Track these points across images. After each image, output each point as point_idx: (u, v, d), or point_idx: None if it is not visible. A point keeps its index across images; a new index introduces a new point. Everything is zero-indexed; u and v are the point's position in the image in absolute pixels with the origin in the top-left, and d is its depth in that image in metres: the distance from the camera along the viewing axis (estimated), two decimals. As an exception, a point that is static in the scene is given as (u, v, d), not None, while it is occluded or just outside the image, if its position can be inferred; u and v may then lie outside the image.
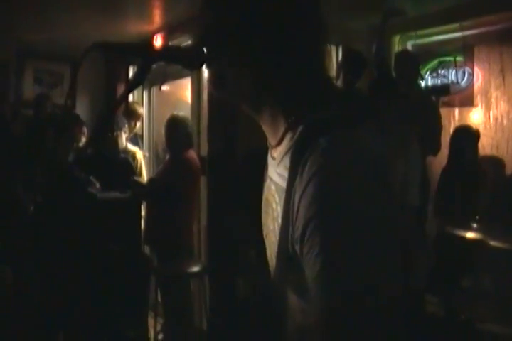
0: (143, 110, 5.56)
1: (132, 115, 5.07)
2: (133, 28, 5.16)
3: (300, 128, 0.92)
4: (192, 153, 4.00)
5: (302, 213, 0.82)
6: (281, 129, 0.97)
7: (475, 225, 3.20)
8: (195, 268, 3.62)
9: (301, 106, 0.95)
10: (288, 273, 0.89)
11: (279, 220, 0.90)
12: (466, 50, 5.07)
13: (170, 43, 5.02)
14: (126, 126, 4.31)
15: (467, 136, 3.94)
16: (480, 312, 2.91)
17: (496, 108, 4.76)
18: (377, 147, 0.89)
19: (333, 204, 0.80)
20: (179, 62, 1.03)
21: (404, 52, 4.87)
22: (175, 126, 3.97)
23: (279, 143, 0.99)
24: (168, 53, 1.06)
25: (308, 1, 0.98)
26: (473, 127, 4.27)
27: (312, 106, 0.94)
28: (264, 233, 1.04)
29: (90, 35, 5.07)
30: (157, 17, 4.92)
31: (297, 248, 0.84)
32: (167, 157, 4.24)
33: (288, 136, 0.95)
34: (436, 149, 4.11)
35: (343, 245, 0.79)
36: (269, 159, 1.04)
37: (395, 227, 0.86)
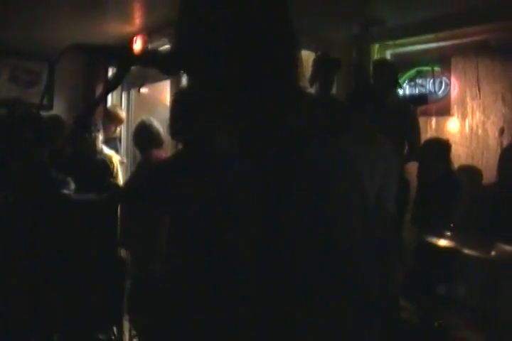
0: (124, 114, 5.50)
1: (114, 119, 5.01)
2: (113, 29, 5.15)
3: (277, 135, 0.92)
4: (158, 152, 4.01)
5: None
6: (251, 136, 0.97)
7: (450, 234, 3.23)
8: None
9: (273, 113, 0.95)
10: None
11: None
12: (444, 60, 5.18)
13: (149, 45, 5.01)
14: (101, 128, 4.25)
15: (436, 147, 3.99)
16: (453, 319, 2.94)
17: (472, 118, 4.85)
18: (355, 155, 0.92)
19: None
20: (156, 66, 1.03)
21: (381, 61, 4.93)
22: (140, 127, 4.07)
23: (249, 150, 0.99)
24: (146, 57, 1.06)
25: (279, 12, 0.98)
26: (444, 138, 4.36)
27: (285, 114, 0.95)
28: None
29: (70, 34, 5.04)
30: (137, 19, 4.92)
31: None
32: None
33: (260, 143, 0.95)
34: (414, 157, 4.17)
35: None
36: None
37: (372, 234, 0.90)
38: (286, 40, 0.96)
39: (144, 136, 4.02)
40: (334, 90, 4.38)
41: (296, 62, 0.98)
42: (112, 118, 4.95)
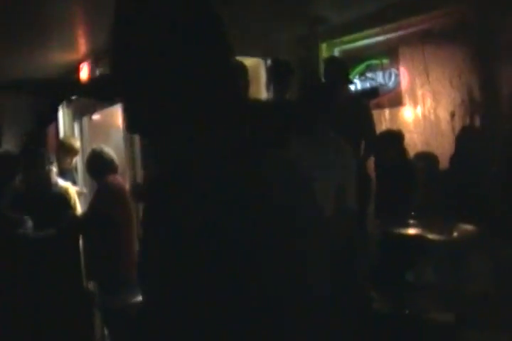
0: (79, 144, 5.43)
1: (69, 151, 4.88)
2: (58, 58, 5.09)
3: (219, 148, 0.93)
4: (114, 177, 3.99)
5: None
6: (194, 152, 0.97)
7: (412, 221, 3.29)
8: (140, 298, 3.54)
9: (212, 127, 0.94)
10: None
11: None
12: (391, 52, 5.25)
13: (97, 71, 4.97)
14: (55, 161, 4.19)
15: (389, 138, 4.06)
16: (424, 303, 2.99)
17: (423, 105, 4.92)
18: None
19: None
20: (92, 96, 1.03)
21: (331, 59, 4.99)
22: (92, 156, 4.07)
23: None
24: (80, 89, 1.05)
25: (210, 27, 0.97)
26: (396, 129, 4.44)
27: (225, 126, 0.95)
28: None
29: (14, 65, 4.95)
30: (82, 46, 4.87)
31: None
32: None
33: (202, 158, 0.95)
34: (372, 151, 4.23)
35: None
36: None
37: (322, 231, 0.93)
38: (219, 52, 0.96)
39: (97, 164, 4.01)
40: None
41: (232, 72, 0.99)
42: (66, 150, 4.85)
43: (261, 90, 4.99)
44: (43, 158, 4.01)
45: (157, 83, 0.93)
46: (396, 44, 5.21)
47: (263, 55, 5.12)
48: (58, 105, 1.11)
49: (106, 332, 3.87)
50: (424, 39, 4.99)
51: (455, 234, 3.16)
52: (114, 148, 4.69)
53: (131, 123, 1.00)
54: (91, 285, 4.14)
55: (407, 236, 3.24)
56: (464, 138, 4.13)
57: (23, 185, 3.88)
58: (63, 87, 0.93)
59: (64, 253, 3.42)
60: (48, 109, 0.95)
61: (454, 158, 4.04)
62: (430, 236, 3.18)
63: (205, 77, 0.93)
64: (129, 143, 4.32)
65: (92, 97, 1.04)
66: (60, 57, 5.10)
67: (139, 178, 4.14)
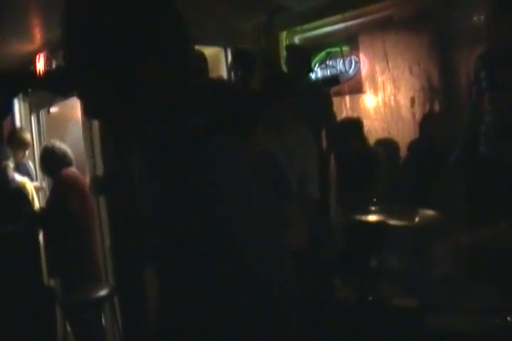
0: (32, 137, 5.29)
1: (20, 144, 4.79)
2: (13, 49, 4.95)
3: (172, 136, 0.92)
4: (67, 170, 3.94)
5: None
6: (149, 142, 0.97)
7: (374, 208, 3.31)
8: (104, 292, 3.51)
9: (167, 115, 0.94)
10: None
11: None
12: (351, 39, 5.27)
13: (54, 62, 4.85)
14: (10, 157, 4.11)
15: (347, 125, 4.08)
16: (387, 289, 3.01)
17: (384, 92, 4.96)
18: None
19: None
20: (48, 89, 1.00)
21: (293, 46, 4.99)
22: (43, 153, 4.04)
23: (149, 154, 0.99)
24: (35, 81, 1.01)
25: (165, 12, 0.96)
26: (355, 116, 4.46)
27: (180, 114, 0.94)
28: None
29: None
30: (38, 36, 4.75)
31: None
32: None
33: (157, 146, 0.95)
34: (333, 139, 4.24)
35: None
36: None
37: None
38: (174, 38, 0.95)
39: (49, 160, 3.96)
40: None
41: (188, 59, 0.98)
42: (17, 143, 4.74)
43: (221, 78, 4.94)
44: (0, 153, 3.92)
45: (111, 71, 0.91)
46: (356, 31, 5.22)
47: (223, 44, 5.07)
48: (12, 98, 1.06)
49: (68, 328, 3.80)
50: (384, 26, 5.02)
51: (417, 220, 3.19)
52: (72, 141, 4.60)
53: (88, 111, 1.00)
54: (52, 282, 4.05)
55: (369, 222, 3.26)
56: (425, 125, 4.17)
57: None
58: (18, 79, 0.88)
59: (23, 249, 3.34)
60: (1, 103, 0.90)
61: (414, 144, 4.08)
62: (392, 222, 3.20)
63: (161, 64, 0.92)
64: (88, 136, 4.24)
65: (47, 90, 1.00)
66: (15, 49, 4.97)
67: (99, 171, 4.07)
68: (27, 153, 5.01)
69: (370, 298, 2.93)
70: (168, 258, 0.91)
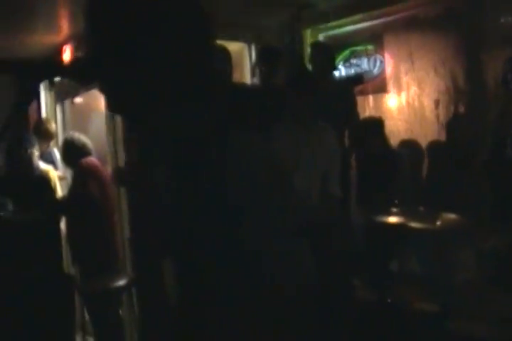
0: (56, 126, 5.34)
1: (45, 134, 4.85)
2: (41, 39, 5.01)
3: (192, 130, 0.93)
4: (87, 159, 3.98)
5: None
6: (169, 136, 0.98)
7: (395, 209, 3.27)
8: (122, 282, 3.55)
9: (187, 110, 0.95)
10: None
11: None
12: (376, 38, 5.22)
13: (79, 54, 4.90)
14: (36, 144, 4.16)
15: (369, 124, 4.04)
16: (407, 293, 2.98)
17: (408, 92, 4.91)
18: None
19: None
20: (71, 77, 1.00)
21: (318, 44, 4.96)
22: (63, 145, 4.10)
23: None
24: (61, 70, 1.02)
25: (188, 9, 0.96)
26: (377, 115, 4.42)
27: (202, 107, 0.95)
28: None
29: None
30: (65, 28, 4.81)
31: None
32: None
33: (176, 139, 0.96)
34: (356, 138, 4.21)
35: None
36: None
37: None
38: (199, 35, 0.95)
39: (69, 152, 4.03)
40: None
41: (209, 55, 0.98)
42: (42, 134, 4.80)
43: (244, 75, 4.94)
44: (25, 141, 3.98)
45: (135, 66, 0.92)
46: (381, 30, 5.17)
47: (247, 40, 5.06)
48: (38, 86, 1.08)
49: (87, 316, 3.85)
50: (410, 26, 4.96)
51: (439, 223, 3.15)
52: (95, 132, 4.64)
53: (112, 104, 1.00)
54: (72, 270, 4.10)
55: (389, 224, 3.22)
56: (449, 126, 4.12)
57: (5, 167, 3.87)
58: (42, 67, 0.89)
59: (44, 236, 3.39)
60: (27, 90, 0.92)
61: (438, 146, 4.04)
62: (414, 224, 3.17)
63: (184, 59, 0.93)
64: (111, 127, 4.29)
65: (73, 79, 1.02)
66: (43, 39, 5.03)
67: (121, 162, 4.10)
68: (52, 143, 5.07)
69: (390, 301, 2.90)
70: (184, 252, 0.93)
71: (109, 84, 0.97)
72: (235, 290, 0.86)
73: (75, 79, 1.04)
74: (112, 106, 1.01)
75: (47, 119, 5.36)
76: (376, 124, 4.15)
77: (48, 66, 1.03)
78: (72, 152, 3.99)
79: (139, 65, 0.92)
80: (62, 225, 4.02)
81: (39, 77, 1.01)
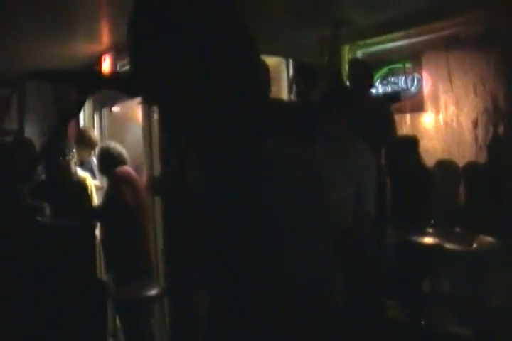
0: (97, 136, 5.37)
1: (87, 143, 4.89)
2: (81, 48, 5.11)
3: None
4: (122, 168, 4.05)
5: None
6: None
7: (431, 230, 3.23)
8: (154, 291, 3.57)
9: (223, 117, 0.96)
10: None
11: None
12: (414, 56, 5.19)
13: (118, 63, 4.98)
14: (75, 150, 4.23)
15: (403, 142, 4.01)
16: (441, 315, 2.93)
17: (446, 112, 4.86)
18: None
19: None
20: (118, 89, 1.03)
21: (357, 60, 4.95)
22: (99, 154, 4.19)
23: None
24: (107, 81, 1.05)
25: (232, 25, 0.98)
26: (411, 134, 4.38)
27: (239, 115, 0.96)
28: None
29: (37, 56, 5.00)
30: (105, 37, 4.88)
31: None
32: None
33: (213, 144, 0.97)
34: (392, 156, 4.17)
35: None
36: None
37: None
38: (241, 48, 0.97)
39: (104, 161, 4.10)
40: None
41: (253, 69, 0.99)
42: (85, 142, 4.86)
43: (281, 88, 4.96)
44: (65, 147, 4.04)
45: (177, 78, 0.93)
46: (420, 49, 5.14)
47: (285, 55, 5.08)
48: (88, 96, 1.11)
49: (118, 323, 3.90)
50: (449, 45, 4.92)
51: (475, 244, 3.09)
52: (132, 141, 4.71)
53: (162, 114, 1.07)
54: (105, 276, 4.15)
55: (424, 244, 3.18)
56: (488, 148, 4.06)
57: (44, 172, 3.94)
58: (93, 79, 0.92)
59: (80, 242, 3.43)
60: (79, 101, 0.95)
61: (476, 167, 3.97)
62: (449, 245, 3.12)
63: (226, 71, 0.94)
64: (147, 136, 4.35)
65: (121, 92, 1.04)
66: (83, 48, 5.12)
67: (156, 172, 4.15)
68: (92, 152, 5.08)
69: (423, 322, 2.85)
70: (218, 260, 0.92)
71: (157, 96, 0.99)
72: (268, 302, 0.86)
73: (124, 91, 1.06)
74: (162, 115, 1.04)
75: (89, 128, 5.44)
76: (411, 143, 4.11)
77: (97, 77, 1.06)
78: (108, 160, 4.06)
79: (186, 77, 0.93)
80: (97, 232, 4.07)
81: (90, 89, 1.04)
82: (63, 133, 4.19)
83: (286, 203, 0.87)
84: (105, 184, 4.42)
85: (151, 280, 3.87)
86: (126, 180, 3.96)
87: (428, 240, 3.20)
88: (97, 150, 4.25)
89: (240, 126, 0.95)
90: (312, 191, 0.94)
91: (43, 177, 4.02)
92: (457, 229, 3.33)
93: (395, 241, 3.50)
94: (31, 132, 5.76)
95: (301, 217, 0.89)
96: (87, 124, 5.57)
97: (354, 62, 4.79)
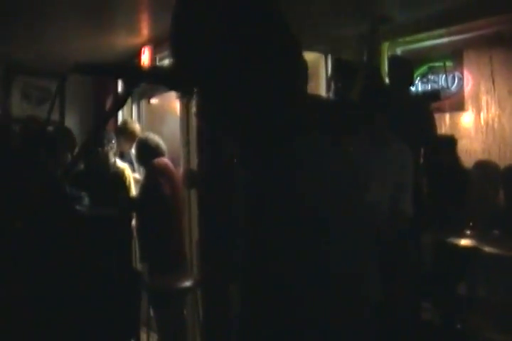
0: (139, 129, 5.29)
1: (129, 136, 4.88)
2: (121, 41, 5.16)
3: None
4: (160, 160, 4.06)
5: None
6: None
7: (469, 232, 3.17)
8: (188, 283, 3.60)
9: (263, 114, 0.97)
10: None
11: None
12: (456, 54, 5.10)
13: (157, 56, 5.02)
14: (114, 141, 4.27)
15: (441, 141, 3.94)
16: (476, 319, 2.88)
17: (487, 112, 4.76)
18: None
19: None
20: (162, 83, 1.04)
21: (397, 57, 4.87)
22: (137, 145, 4.20)
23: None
24: (151, 75, 1.06)
25: (274, 20, 0.98)
26: (449, 133, 4.30)
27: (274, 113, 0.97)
28: None
29: (78, 49, 5.09)
30: (145, 30, 4.92)
31: None
32: None
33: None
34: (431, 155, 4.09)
35: None
36: None
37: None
38: (284, 45, 0.97)
39: (143, 151, 4.11)
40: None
41: (294, 67, 1.00)
42: (127, 135, 4.87)
43: (320, 84, 4.93)
44: (103, 138, 4.10)
45: (220, 73, 0.94)
46: (461, 47, 5.04)
47: (324, 51, 5.04)
48: (134, 89, 1.13)
49: (151, 313, 3.92)
50: (493, 43, 4.81)
51: (514, 248, 3.02)
52: (169, 133, 4.74)
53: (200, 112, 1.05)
54: (140, 266, 4.19)
55: (461, 247, 3.12)
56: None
57: (83, 162, 4.00)
58: (135, 72, 0.93)
59: (117, 232, 3.47)
60: (126, 93, 0.97)
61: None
62: (487, 249, 3.06)
63: (267, 67, 0.94)
64: (184, 128, 4.37)
65: (160, 85, 1.06)
66: (123, 41, 5.16)
67: (193, 164, 4.16)
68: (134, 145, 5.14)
69: (459, 326, 2.81)
70: (253, 257, 0.92)
71: (200, 89, 1.00)
72: (302, 299, 0.86)
73: (167, 85, 1.07)
74: (202, 113, 1.05)
75: (132, 120, 5.44)
76: (449, 142, 4.04)
77: (141, 71, 1.07)
78: (146, 152, 4.08)
79: (228, 72, 0.94)
80: (133, 222, 4.10)
81: (137, 82, 1.05)
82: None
83: (318, 199, 0.87)
84: (142, 175, 4.46)
85: (185, 272, 3.90)
86: (164, 172, 3.99)
87: (465, 242, 3.15)
88: (136, 141, 4.27)
89: (278, 120, 0.95)
90: (347, 189, 0.93)
91: (82, 166, 4.08)
92: (496, 232, 3.26)
93: (431, 242, 3.45)
94: (70, 122, 5.86)
95: (336, 214, 0.88)
96: (125, 116, 5.61)
97: (394, 59, 4.72)
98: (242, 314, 0.96)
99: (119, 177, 4.23)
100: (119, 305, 3.16)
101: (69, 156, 4.11)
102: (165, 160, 4.10)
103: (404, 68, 4.41)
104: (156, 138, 4.17)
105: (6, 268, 2.75)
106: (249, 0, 0.95)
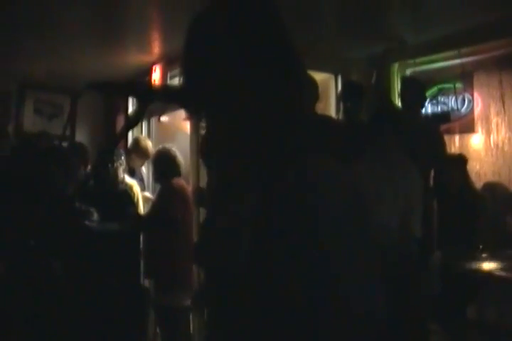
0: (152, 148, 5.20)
1: (142, 153, 4.89)
2: (132, 59, 5.22)
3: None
4: (179, 181, 4.02)
5: None
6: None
7: (478, 254, 3.15)
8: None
9: (271, 136, 0.97)
10: None
11: None
12: (466, 76, 5.10)
13: (168, 74, 5.06)
14: (123, 157, 4.26)
15: (451, 161, 3.93)
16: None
17: (497, 134, 4.75)
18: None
19: None
20: (175, 102, 1.05)
21: (409, 78, 4.87)
22: (159, 157, 4.09)
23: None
24: (164, 93, 1.07)
25: (279, 43, 0.99)
26: (458, 153, 4.29)
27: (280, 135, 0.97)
28: None
29: (90, 66, 5.16)
30: (156, 48, 4.97)
31: None
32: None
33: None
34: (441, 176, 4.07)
35: None
36: None
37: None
38: (288, 65, 0.98)
39: (163, 167, 4.02)
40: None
41: (299, 85, 1.00)
42: (140, 152, 4.87)
43: (329, 104, 4.95)
44: (114, 153, 4.06)
45: (228, 92, 0.95)
46: (471, 69, 5.05)
47: (333, 71, 5.08)
48: (145, 108, 1.13)
49: (158, 330, 3.91)
50: (503, 65, 4.82)
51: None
52: (179, 151, 4.73)
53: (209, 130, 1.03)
54: (147, 283, 4.18)
55: (471, 269, 3.10)
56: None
57: (92, 177, 3.99)
58: (147, 90, 0.94)
59: (125, 248, 3.47)
60: (136, 112, 0.99)
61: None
62: (497, 272, 3.03)
63: (272, 89, 0.95)
64: (194, 147, 4.37)
65: (173, 103, 1.06)
66: (134, 58, 5.22)
67: (202, 183, 4.15)
68: (146, 162, 5.09)
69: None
70: (258, 276, 0.91)
71: (209, 109, 1.00)
72: (305, 317, 0.85)
73: (178, 104, 1.08)
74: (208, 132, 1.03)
75: (144, 137, 5.43)
76: (459, 163, 4.03)
77: (153, 89, 1.08)
78: (166, 168, 4.00)
79: (236, 91, 0.95)
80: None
81: (151, 100, 1.07)
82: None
83: (328, 222, 0.86)
84: (157, 191, 4.38)
85: (191, 291, 3.87)
86: (180, 195, 3.94)
87: (475, 265, 3.12)
88: (156, 153, 4.19)
89: (286, 140, 0.96)
90: (354, 211, 0.92)
91: (91, 182, 4.07)
92: (506, 256, 3.23)
93: (440, 264, 3.42)
94: (81, 139, 5.91)
95: (343, 235, 0.88)
96: (135, 133, 5.63)
97: (407, 80, 4.71)
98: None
99: (127, 193, 4.22)
100: (125, 321, 3.15)
101: (82, 171, 4.15)
102: (182, 181, 4.05)
103: (417, 90, 4.40)
104: (177, 154, 4.09)
105: (17, 286, 2.76)
106: (260, 23, 0.97)
